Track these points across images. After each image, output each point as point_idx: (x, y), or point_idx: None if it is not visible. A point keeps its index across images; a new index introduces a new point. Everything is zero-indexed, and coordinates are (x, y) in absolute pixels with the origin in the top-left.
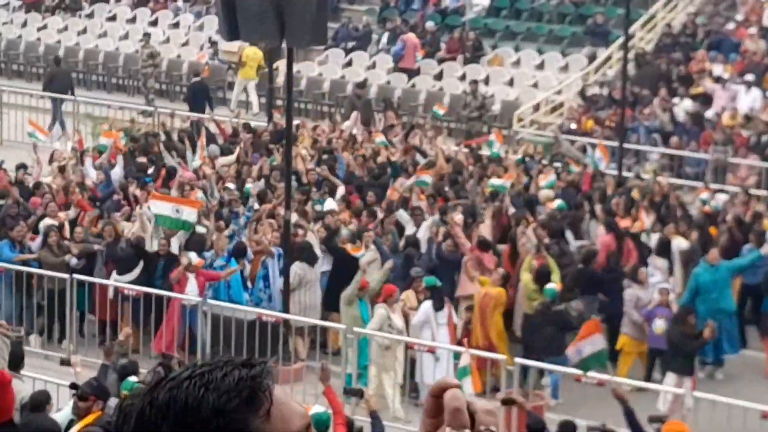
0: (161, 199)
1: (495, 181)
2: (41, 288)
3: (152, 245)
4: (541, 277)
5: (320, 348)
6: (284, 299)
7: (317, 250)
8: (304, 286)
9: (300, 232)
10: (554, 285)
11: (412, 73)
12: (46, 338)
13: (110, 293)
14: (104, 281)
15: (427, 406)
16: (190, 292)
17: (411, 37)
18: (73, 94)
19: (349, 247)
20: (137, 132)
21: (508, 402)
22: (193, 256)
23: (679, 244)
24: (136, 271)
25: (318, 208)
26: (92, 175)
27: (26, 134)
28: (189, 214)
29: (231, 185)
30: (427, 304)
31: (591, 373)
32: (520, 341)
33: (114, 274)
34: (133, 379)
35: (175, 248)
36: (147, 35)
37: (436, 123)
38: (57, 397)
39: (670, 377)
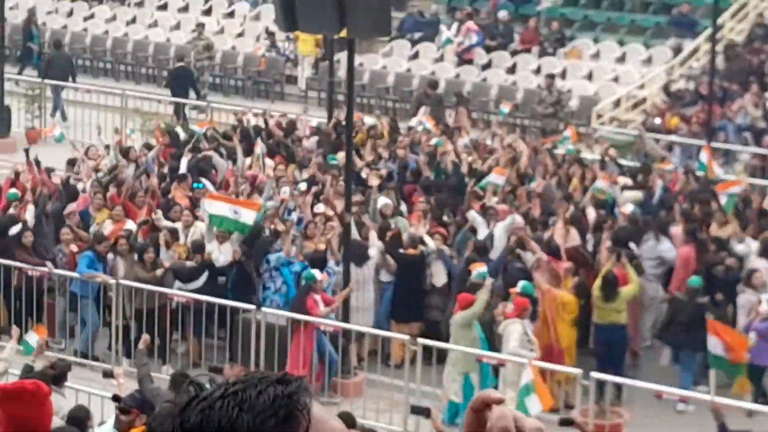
0: (218, 199)
1: (600, 184)
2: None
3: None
4: (608, 285)
5: (382, 361)
6: (344, 307)
7: (373, 251)
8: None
9: (364, 230)
10: (698, 278)
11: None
12: (90, 347)
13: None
14: (159, 288)
15: (467, 421)
16: (321, 312)
17: (470, 25)
18: (74, 80)
19: (410, 252)
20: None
21: (566, 423)
22: (316, 273)
23: None
24: (201, 280)
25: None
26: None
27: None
28: (247, 215)
29: (286, 188)
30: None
31: (677, 390)
32: (593, 354)
33: (177, 282)
34: None
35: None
36: (201, 25)
37: (506, 121)
38: (101, 410)
39: None
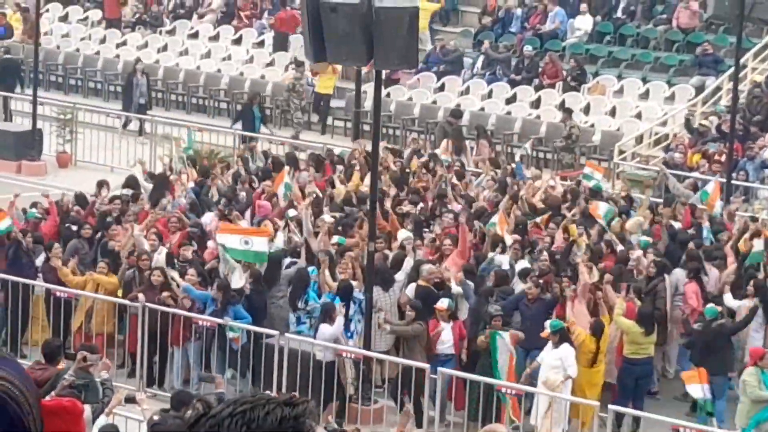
0: (229, 231)
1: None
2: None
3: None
4: (647, 319)
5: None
6: (365, 335)
7: (401, 275)
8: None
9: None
10: (713, 308)
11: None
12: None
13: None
14: (182, 312)
15: None
16: (446, 341)
17: None
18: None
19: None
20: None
21: None
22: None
23: None
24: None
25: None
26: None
27: (99, 155)
28: (259, 244)
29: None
30: (570, 349)
31: (694, 425)
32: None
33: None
34: None
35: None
36: (301, 64)
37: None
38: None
39: None
